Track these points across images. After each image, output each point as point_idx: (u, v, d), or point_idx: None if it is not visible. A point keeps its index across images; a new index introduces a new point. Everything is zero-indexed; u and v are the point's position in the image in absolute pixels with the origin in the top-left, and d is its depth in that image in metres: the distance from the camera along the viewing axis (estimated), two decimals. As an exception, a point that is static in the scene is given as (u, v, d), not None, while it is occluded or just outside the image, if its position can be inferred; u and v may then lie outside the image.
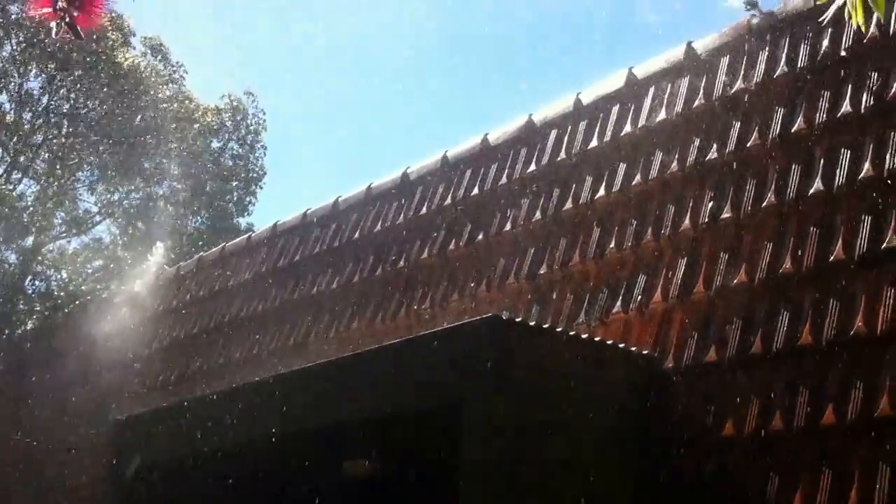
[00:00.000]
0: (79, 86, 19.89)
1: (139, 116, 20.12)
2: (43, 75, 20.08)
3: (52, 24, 2.18)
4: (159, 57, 21.65)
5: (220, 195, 22.55)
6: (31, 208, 20.72)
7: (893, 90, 4.63)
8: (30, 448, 9.46)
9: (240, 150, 23.07)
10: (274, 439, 5.35)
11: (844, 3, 2.49)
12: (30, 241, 20.95)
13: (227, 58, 33.69)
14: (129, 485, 6.29)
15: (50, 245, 21.97)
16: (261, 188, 23.38)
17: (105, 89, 19.77)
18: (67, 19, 2.17)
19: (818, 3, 2.63)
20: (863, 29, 2.60)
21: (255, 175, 23.22)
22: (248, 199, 23.16)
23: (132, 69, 19.94)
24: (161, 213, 21.17)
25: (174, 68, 21.89)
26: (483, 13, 31.26)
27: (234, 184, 22.93)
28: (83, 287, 21.20)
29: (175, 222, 21.21)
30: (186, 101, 21.71)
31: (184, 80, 22.02)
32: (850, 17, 2.51)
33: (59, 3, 2.16)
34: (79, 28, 2.19)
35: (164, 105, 20.76)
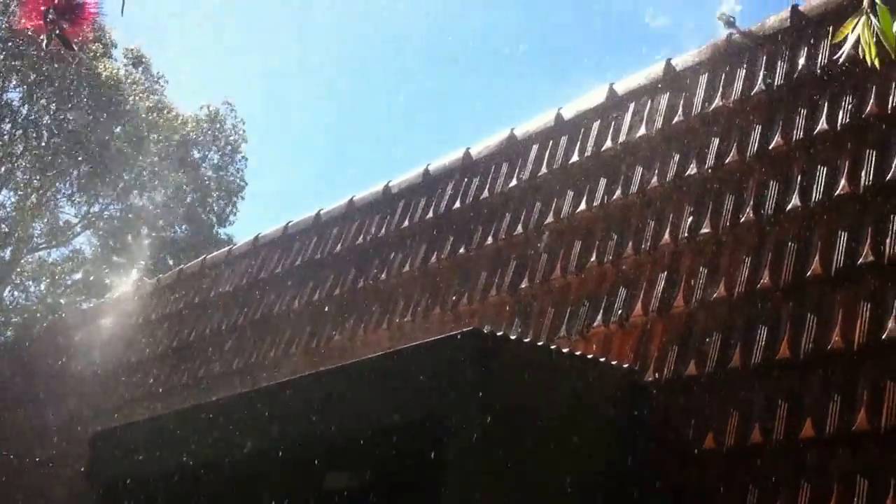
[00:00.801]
0: (59, 97, 19.82)
1: (119, 127, 20.06)
2: (23, 86, 19.99)
3: (43, 35, 2.19)
4: (141, 68, 21.62)
5: (200, 206, 22.49)
6: (10, 219, 20.59)
7: (868, 108, 4.70)
8: (5, 461, 9.37)
9: (219, 161, 23.02)
10: (251, 453, 5.32)
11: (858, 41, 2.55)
12: (8, 252, 20.80)
13: (206, 70, 33.67)
14: (104, 499, 6.23)
15: (28, 256, 21.82)
16: (242, 199, 23.33)
17: (86, 100, 19.71)
18: (58, 31, 2.18)
19: (834, 41, 2.71)
20: (877, 66, 2.65)
21: (235, 186, 23.17)
22: (228, 210, 23.10)
23: (111, 79, 19.88)
24: (141, 225, 21.08)
25: (155, 79, 21.86)
26: (466, 26, 31.41)
27: (215, 195, 22.87)
28: (62, 299, 21.06)
29: (155, 234, 21.12)
30: (166, 112, 21.68)
31: (164, 91, 22.01)
32: (864, 55, 2.56)
33: (51, 16, 2.17)
34: (69, 40, 2.20)
35: (145, 115, 20.71)
